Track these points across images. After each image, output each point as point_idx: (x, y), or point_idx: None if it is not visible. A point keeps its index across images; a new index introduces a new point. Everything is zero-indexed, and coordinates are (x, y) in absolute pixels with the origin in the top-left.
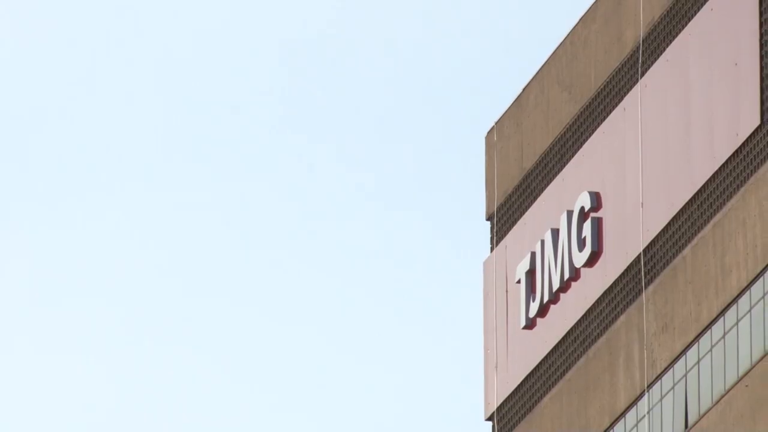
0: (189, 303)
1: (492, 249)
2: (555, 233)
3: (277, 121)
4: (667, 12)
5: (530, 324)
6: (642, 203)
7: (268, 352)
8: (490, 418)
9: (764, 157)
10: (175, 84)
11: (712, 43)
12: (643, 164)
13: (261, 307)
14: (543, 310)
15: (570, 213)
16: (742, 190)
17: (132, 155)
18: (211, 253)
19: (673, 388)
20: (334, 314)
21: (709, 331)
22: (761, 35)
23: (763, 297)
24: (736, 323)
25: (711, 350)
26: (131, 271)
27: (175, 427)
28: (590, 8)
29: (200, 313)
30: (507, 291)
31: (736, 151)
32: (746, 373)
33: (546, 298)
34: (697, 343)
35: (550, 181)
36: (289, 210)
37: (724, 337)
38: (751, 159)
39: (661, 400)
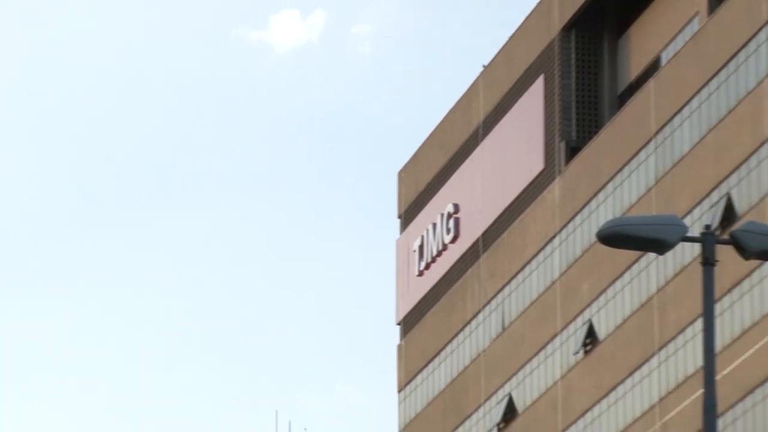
0: None
1: (401, 232)
2: (434, 225)
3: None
4: (495, 107)
5: (420, 273)
6: (481, 210)
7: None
8: (399, 323)
9: (544, 186)
10: None
11: (521, 123)
12: (482, 190)
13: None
14: (427, 266)
15: (442, 214)
16: (534, 203)
17: None
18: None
19: (495, 307)
20: (286, 260)
21: (515, 279)
22: (545, 121)
23: (545, 260)
24: (529, 274)
25: (516, 288)
26: None
27: None
28: (463, 97)
29: None
30: (408, 255)
31: (531, 182)
32: (537, 298)
33: (428, 260)
34: (509, 284)
35: (433, 195)
36: None
37: (524, 281)
38: (537, 187)
39: (490, 314)
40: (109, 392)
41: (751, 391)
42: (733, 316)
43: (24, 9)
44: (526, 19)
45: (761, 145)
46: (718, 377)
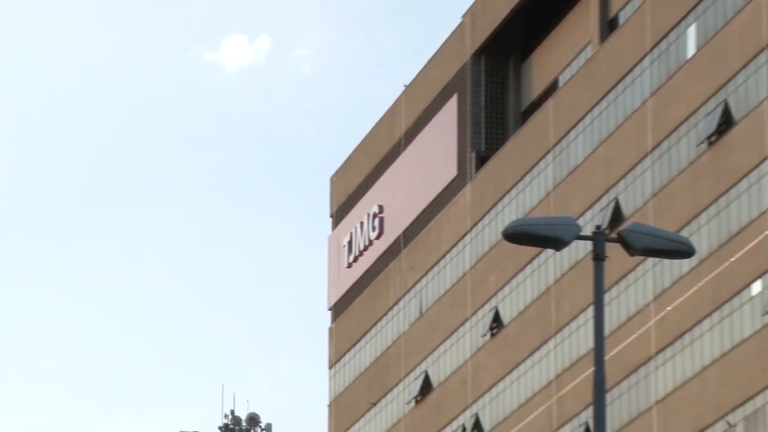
0: None
1: (332, 230)
2: (361, 224)
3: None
4: (415, 121)
5: (349, 265)
6: (402, 211)
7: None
8: (330, 309)
9: (457, 190)
10: None
11: (438, 135)
12: (403, 193)
13: None
14: (355, 259)
15: (369, 214)
16: (449, 205)
17: None
18: None
19: (414, 295)
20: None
21: (432, 271)
22: (458, 134)
23: (457, 255)
24: (444, 267)
25: (432, 279)
26: None
27: None
28: (387, 113)
29: None
30: (339, 250)
31: (445, 187)
32: (451, 288)
33: (356, 254)
34: (426, 276)
35: (361, 198)
36: None
37: (439, 273)
38: (451, 191)
39: (409, 301)
40: (67, 371)
41: (635, 370)
42: (619, 304)
43: None
44: (442, 45)
45: (644, 156)
46: (606, 358)
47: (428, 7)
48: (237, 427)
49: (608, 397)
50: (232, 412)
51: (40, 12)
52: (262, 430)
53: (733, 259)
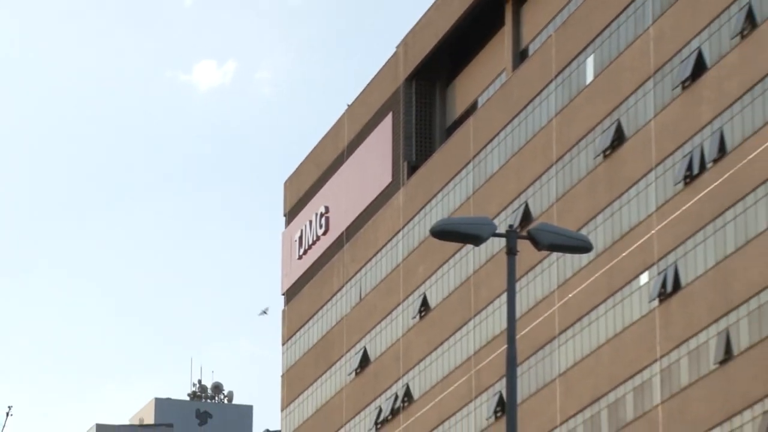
0: None
1: (285, 227)
2: (310, 222)
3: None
4: (356, 135)
5: (300, 257)
6: (345, 211)
7: None
8: (283, 294)
9: (392, 194)
10: None
11: (375, 147)
12: (346, 196)
13: None
14: (305, 252)
15: (316, 214)
16: (384, 207)
17: None
18: None
19: (355, 283)
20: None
21: (370, 262)
22: (393, 146)
23: (391, 249)
24: (380, 259)
25: (371, 269)
26: None
27: None
28: (333, 127)
29: None
30: (291, 244)
31: (382, 191)
32: (386, 277)
33: (306, 247)
34: (365, 266)
35: (310, 200)
36: None
37: (376, 264)
38: (386, 195)
39: (350, 288)
40: (56, 348)
41: (541, 347)
42: (528, 292)
43: None
44: (379, 71)
45: (550, 166)
46: (517, 337)
47: (368, 39)
48: (203, 394)
49: (519, 370)
50: (200, 381)
51: (34, 34)
52: (225, 396)
53: (624, 254)
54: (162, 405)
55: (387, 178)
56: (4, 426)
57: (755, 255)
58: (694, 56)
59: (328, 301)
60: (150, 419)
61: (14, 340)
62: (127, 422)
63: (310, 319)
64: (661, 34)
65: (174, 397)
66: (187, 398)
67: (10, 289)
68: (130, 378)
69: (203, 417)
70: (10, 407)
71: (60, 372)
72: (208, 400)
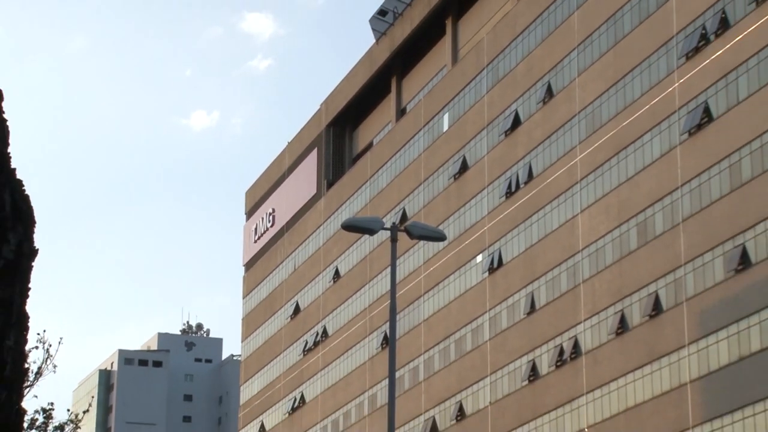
0: None
1: (246, 221)
2: (263, 218)
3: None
4: (294, 161)
5: (255, 241)
6: (285, 212)
7: None
8: (244, 266)
9: (316, 201)
10: None
11: (306, 170)
12: (287, 202)
13: None
14: (259, 238)
15: (267, 213)
16: (311, 209)
17: None
18: None
19: (291, 259)
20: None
21: (301, 246)
22: (317, 170)
23: (315, 237)
24: (308, 243)
25: (302, 250)
26: None
27: None
28: (278, 156)
29: None
30: (250, 233)
31: (309, 198)
32: (312, 254)
33: (260, 235)
34: (298, 249)
35: (263, 203)
36: None
37: (305, 246)
38: (313, 201)
39: (288, 263)
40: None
41: (413, 301)
42: (404, 266)
43: None
44: (310, 120)
45: (419, 185)
46: (397, 295)
47: (303, 100)
48: (190, 331)
49: (397, 317)
50: (188, 322)
51: (80, 86)
52: (204, 332)
53: (466, 242)
54: (162, 338)
55: (313, 190)
56: (56, 352)
57: (551, 245)
58: (512, 114)
59: (273, 270)
60: (154, 347)
61: (58, 291)
62: (138, 348)
63: (261, 282)
64: (492, 100)
65: (170, 332)
66: (179, 333)
67: (61, 251)
68: (141, 319)
69: (189, 345)
70: (61, 338)
71: (91, 312)
72: (193, 334)
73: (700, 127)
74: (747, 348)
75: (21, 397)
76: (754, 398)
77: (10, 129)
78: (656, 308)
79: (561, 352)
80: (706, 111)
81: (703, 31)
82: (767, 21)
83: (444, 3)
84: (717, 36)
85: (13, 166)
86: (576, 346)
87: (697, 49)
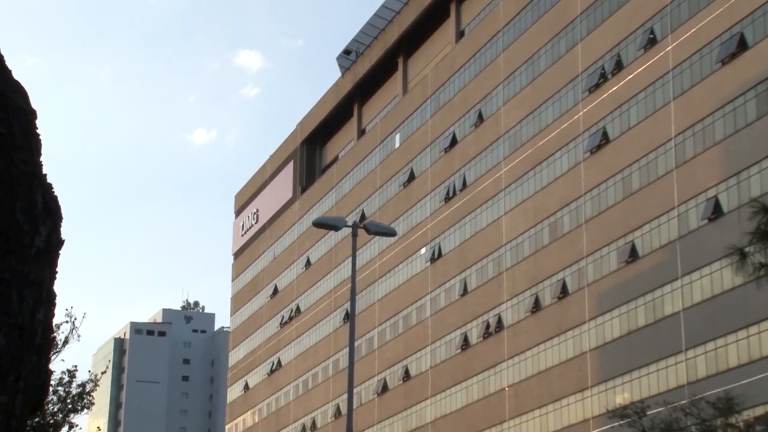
0: None
1: (235, 218)
2: (249, 216)
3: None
4: (274, 171)
5: (243, 234)
6: (268, 211)
7: None
8: (233, 254)
9: (292, 203)
10: None
11: (284, 179)
12: (269, 203)
13: None
14: (245, 232)
15: (252, 212)
16: (289, 210)
17: None
18: None
19: (271, 250)
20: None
21: (281, 238)
22: (293, 179)
23: (291, 232)
24: (287, 236)
25: (280, 242)
26: None
27: None
28: (261, 169)
29: None
30: (238, 228)
31: (287, 201)
32: (288, 246)
33: (246, 230)
34: (277, 240)
35: (249, 204)
36: None
37: (283, 239)
38: (290, 203)
39: (269, 252)
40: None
41: (368, 285)
42: (363, 256)
43: None
44: (287, 137)
45: (375, 191)
46: (357, 279)
47: (282, 121)
48: (188, 307)
49: (357, 297)
50: (187, 300)
51: (87, 102)
52: (200, 308)
53: (413, 238)
54: (166, 313)
55: (290, 195)
56: (80, 324)
57: (480, 240)
58: (451, 135)
59: (257, 258)
60: (159, 320)
61: (84, 274)
62: (147, 321)
63: (246, 268)
64: (435, 123)
65: (172, 308)
66: (180, 309)
67: (88, 242)
68: (149, 297)
69: (188, 319)
70: (84, 313)
71: (109, 292)
72: (191, 310)
73: (599, 147)
74: (635, 324)
75: (49, 360)
76: (640, 364)
77: (42, 142)
78: (563, 292)
79: (487, 327)
80: (604, 134)
81: (602, 71)
82: (652, 63)
83: (397, 45)
84: (613, 75)
85: (44, 173)
86: (499, 321)
87: (597, 85)
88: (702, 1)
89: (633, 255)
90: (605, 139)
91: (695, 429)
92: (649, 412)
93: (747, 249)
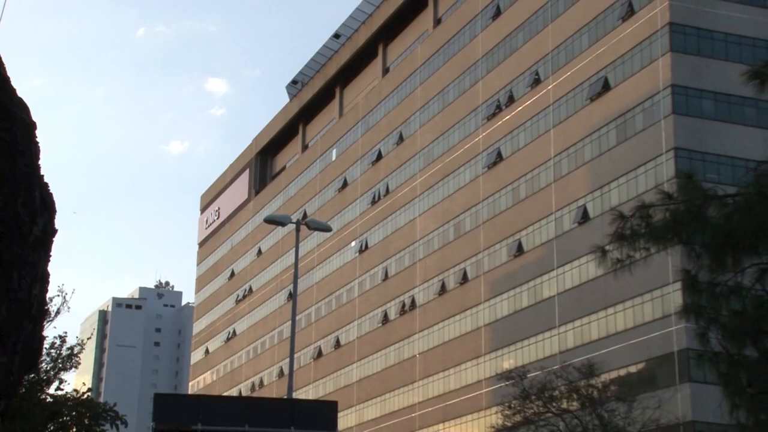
0: None
1: (200, 215)
2: (212, 213)
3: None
4: (232, 178)
5: (207, 228)
6: (229, 210)
7: None
8: (198, 244)
9: (247, 203)
10: None
11: (241, 184)
12: (228, 203)
13: None
14: (208, 226)
15: (214, 210)
16: (245, 208)
17: None
18: None
19: (230, 242)
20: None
21: (237, 232)
22: (249, 184)
23: (246, 226)
24: (243, 229)
25: (236, 235)
26: None
27: None
28: (222, 176)
29: None
30: (203, 223)
31: (243, 201)
32: (245, 237)
33: (209, 224)
34: (235, 233)
35: (211, 204)
36: None
37: (239, 232)
38: (246, 203)
39: (228, 242)
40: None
41: (308, 271)
42: (304, 247)
43: None
44: (245, 150)
45: (315, 195)
46: (299, 266)
47: (241, 136)
48: (161, 286)
49: (299, 281)
50: (160, 280)
51: (84, 117)
52: (171, 287)
53: (345, 233)
54: (142, 290)
55: (245, 196)
56: (70, 298)
57: (399, 236)
58: (377, 151)
59: (218, 247)
60: (136, 295)
61: (76, 256)
62: (126, 296)
63: (209, 255)
64: (365, 141)
65: (147, 286)
66: (153, 287)
67: (80, 231)
68: (128, 277)
69: (160, 296)
70: (74, 289)
71: (96, 271)
72: (163, 288)
73: (494, 163)
74: (520, 305)
75: (42, 328)
76: (523, 336)
77: (41, 149)
78: (464, 279)
79: (403, 306)
80: (499, 154)
81: (498, 103)
82: (537, 98)
83: (335, 77)
84: (506, 106)
85: (42, 174)
86: (413, 302)
87: (494, 114)
88: (576, 50)
89: (519, 250)
90: (499, 157)
91: (564, 388)
92: (528, 375)
93: (607, 247)
